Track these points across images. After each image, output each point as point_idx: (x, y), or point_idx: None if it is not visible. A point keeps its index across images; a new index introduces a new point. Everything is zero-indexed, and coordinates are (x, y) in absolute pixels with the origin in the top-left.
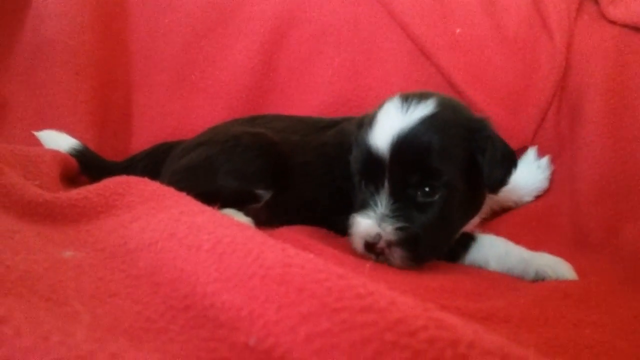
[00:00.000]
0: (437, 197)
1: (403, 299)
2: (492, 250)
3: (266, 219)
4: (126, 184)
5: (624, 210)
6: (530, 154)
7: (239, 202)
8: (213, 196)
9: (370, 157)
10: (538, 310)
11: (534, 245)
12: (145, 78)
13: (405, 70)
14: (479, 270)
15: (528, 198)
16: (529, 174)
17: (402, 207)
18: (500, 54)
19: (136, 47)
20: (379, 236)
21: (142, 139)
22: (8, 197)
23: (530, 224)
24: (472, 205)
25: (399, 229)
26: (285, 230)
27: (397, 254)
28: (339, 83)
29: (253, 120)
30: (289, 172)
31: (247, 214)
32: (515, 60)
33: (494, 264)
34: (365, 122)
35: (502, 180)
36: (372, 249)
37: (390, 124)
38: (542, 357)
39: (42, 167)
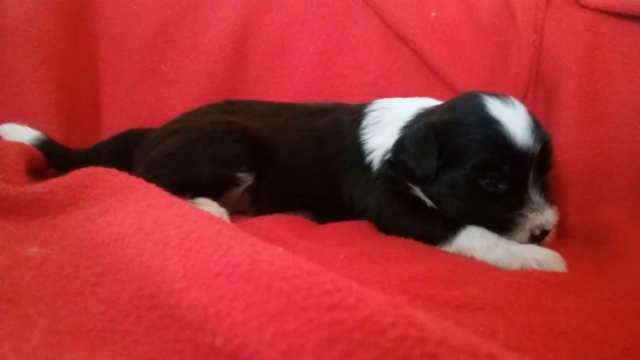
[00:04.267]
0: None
1: (372, 294)
2: (481, 239)
3: (250, 205)
4: (94, 176)
5: (597, 193)
6: None
7: (219, 188)
8: (191, 183)
9: (517, 154)
10: (512, 297)
11: None
12: (113, 67)
13: (380, 56)
14: (455, 256)
15: None
16: None
17: (543, 193)
18: (475, 38)
19: (103, 36)
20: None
21: (112, 130)
22: None
23: None
24: None
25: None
26: (259, 221)
27: (553, 232)
28: (313, 72)
29: (229, 104)
30: (272, 154)
31: (225, 202)
32: (490, 44)
33: (480, 254)
34: (470, 125)
35: None
36: (543, 236)
37: (522, 121)
38: (510, 350)
39: (6, 161)
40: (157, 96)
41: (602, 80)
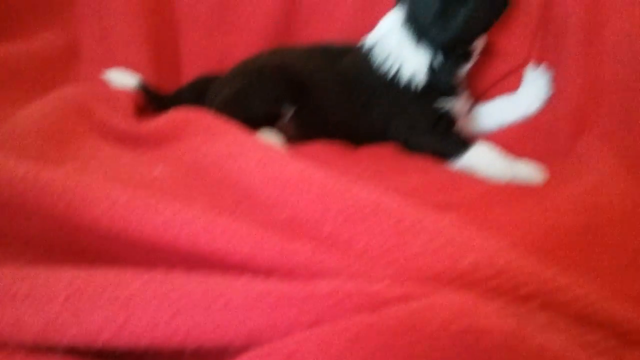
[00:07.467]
0: None
1: None
2: (484, 157)
3: (293, 133)
4: (186, 116)
5: (582, 124)
6: (528, 70)
7: (272, 120)
8: (253, 119)
9: None
10: (505, 196)
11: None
12: (190, 19)
13: None
14: (449, 171)
15: (534, 107)
16: (526, 86)
17: None
18: None
19: None
20: None
21: (190, 75)
22: (105, 128)
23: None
24: None
25: None
26: (307, 148)
27: None
28: (356, 14)
29: (274, 51)
30: (309, 92)
31: (277, 131)
32: None
33: (484, 170)
34: None
35: None
36: None
37: None
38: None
39: (120, 104)
40: (225, 44)
41: (602, 20)
